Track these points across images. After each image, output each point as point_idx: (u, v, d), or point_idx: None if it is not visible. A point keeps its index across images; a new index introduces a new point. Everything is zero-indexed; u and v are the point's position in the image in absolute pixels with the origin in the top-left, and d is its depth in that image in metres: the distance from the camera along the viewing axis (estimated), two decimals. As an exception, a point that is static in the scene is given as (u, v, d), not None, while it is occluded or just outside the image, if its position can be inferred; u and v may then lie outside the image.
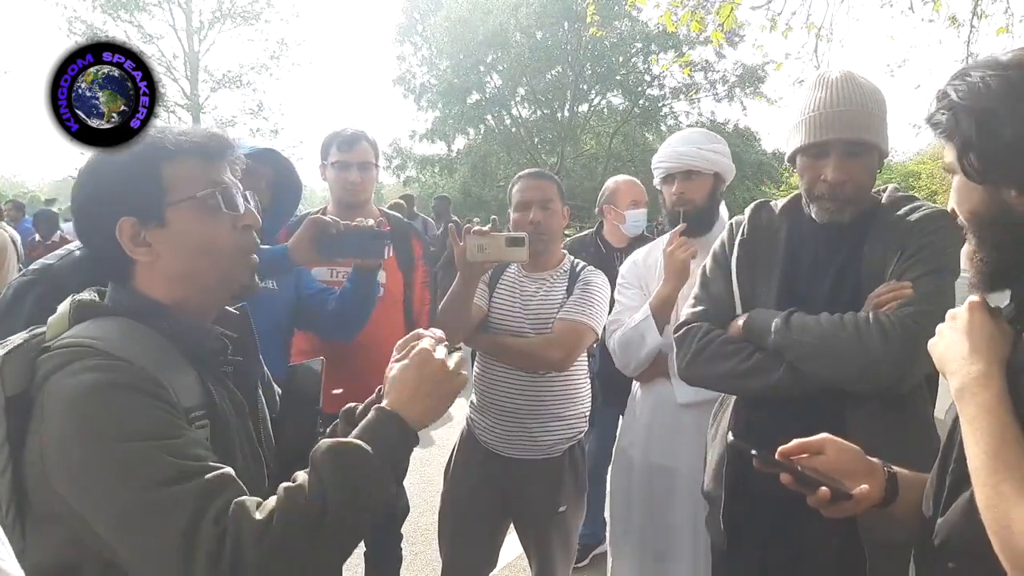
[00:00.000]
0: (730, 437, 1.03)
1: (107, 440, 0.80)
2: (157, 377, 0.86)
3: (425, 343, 1.01)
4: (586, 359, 2.13)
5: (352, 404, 1.10)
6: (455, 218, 8.01)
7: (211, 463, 0.83)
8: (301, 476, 0.85)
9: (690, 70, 20.00)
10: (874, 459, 1.00)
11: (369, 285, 1.88)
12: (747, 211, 1.60)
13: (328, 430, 1.11)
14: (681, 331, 1.56)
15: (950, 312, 0.88)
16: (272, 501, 0.82)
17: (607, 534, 2.20)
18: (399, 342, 1.07)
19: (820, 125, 1.39)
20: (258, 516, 0.79)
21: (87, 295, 0.96)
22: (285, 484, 0.84)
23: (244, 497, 0.81)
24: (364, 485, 0.85)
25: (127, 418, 0.81)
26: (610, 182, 3.06)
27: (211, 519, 0.77)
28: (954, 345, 0.84)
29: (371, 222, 1.77)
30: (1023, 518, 0.67)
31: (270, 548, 0.77)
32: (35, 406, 0.83)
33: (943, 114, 0.84)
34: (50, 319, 0.92)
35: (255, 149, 1.79)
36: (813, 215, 1.48)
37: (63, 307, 0.93)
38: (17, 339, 0.89)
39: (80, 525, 0.81)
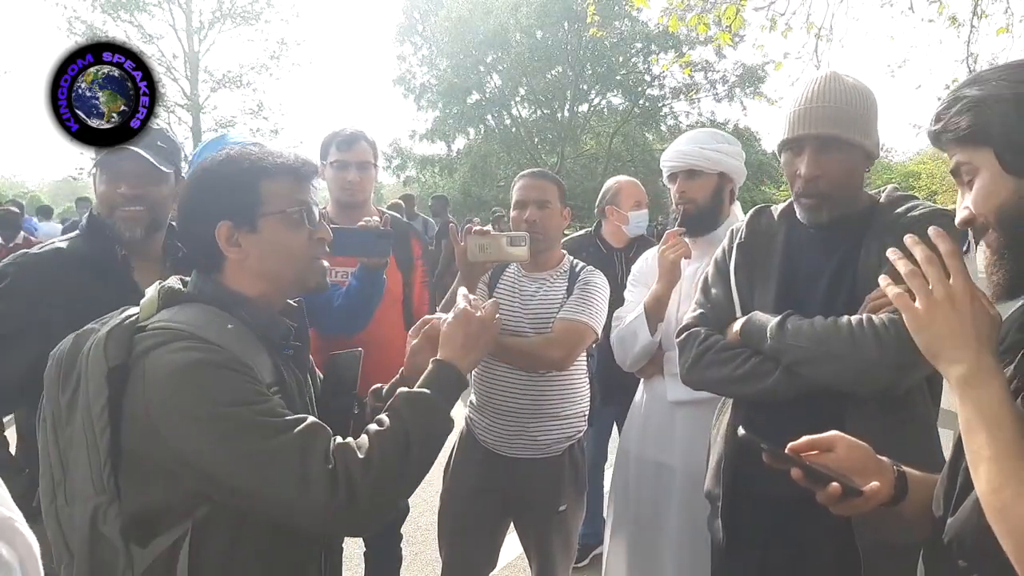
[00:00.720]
0: (740, 431, 1.02)
1: (210, 407, 0.94)
2: (241, 358, 1.00)
3: (462, 303, 1.20)
4: (585, 358, 2.13)
5: (378, 385, 1.30)
6: (451, 218, 8.02)
7: (299, 416, 1.00)
8: (384, 420, 1.03)
9: (690, 70, 20.00)
10: (883, 458, 1.00)
11: (375, 282, 1.92)
12: (747, 216, 1.62)
13: (360, 411, 1.28)
14: (682, 336, 1.58)
15: (934, 286, 0.82)
16: (365, 441, 1.00)
17: (606, 532, 2.20)
18: (412, 329, 1.27)
19: (796, 121, 1.41)
20: (360, 455, 0.98)
21: (174, 283, 1.10)
22: (373, 428, 1.03)
23: (343, 439, 1.00)
24: (433, 420, 1.06)
25: (225, 389, 0.96)
26: (611, 183, 3.04)
27: (320, 459, 0.95)
28: (949, 331, 0.80)
29: (376, 220, 1.79)
30: None
31: (375, 478, 0.97)
32: (133, 376, 0.97)
33: (966, 111, 0.83)
34: (141, 302, 1.06)
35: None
36: (798, 215, 1.49)
37: (151, 292, 1.07)
38: (115, 319, 1.03)
39: (184, 472, 0.96)
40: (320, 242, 1.15)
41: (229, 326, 1.04)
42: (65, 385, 1.01)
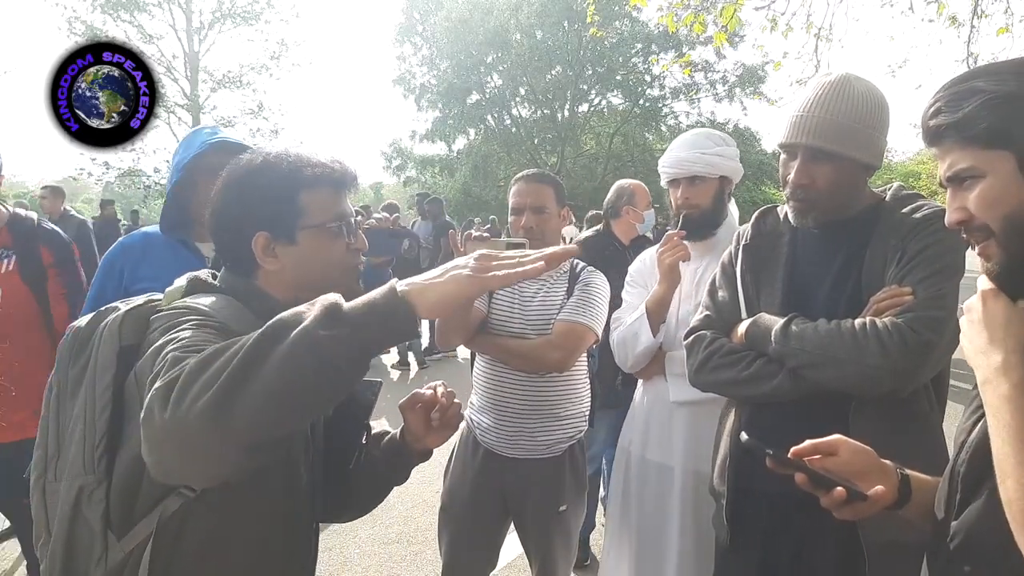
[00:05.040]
0: (744, 436, 1.02)
1: None
2: None
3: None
4: (586, 359, 2.13)
5: (383, 431, 1.26)
6: (448, 219, 8.05)
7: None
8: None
9: (690, 70, 20.04)
10: (886, 461, 0.99)
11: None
12: (752, 217, 1.61)
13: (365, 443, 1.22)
14: (689, 339, 1.58)
15: (965, 304, 0.85)
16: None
17: (604, 527, 2.20)
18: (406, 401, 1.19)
19: (793, 126, 1.40)
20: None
21: (204, 275, 1.09)
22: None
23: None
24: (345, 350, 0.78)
25: None
26: (626, 184, 3.19)
27: None
28: (973, 338, 0.81)
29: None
30: None
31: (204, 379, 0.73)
32: (142, 355, 0.93)
33: (987, 108, 0.78)
34: (167, 290, 1.04)
35: (223, 140, 1.72)
36: (788, 215, 1.49)
37: (180, 281, 1.06)
38: (139, 300, 1.03)
39: None
40: (356, 252, 1.12)
41: (249, 317, 0.99)
42: (76, 359, 1.01)
